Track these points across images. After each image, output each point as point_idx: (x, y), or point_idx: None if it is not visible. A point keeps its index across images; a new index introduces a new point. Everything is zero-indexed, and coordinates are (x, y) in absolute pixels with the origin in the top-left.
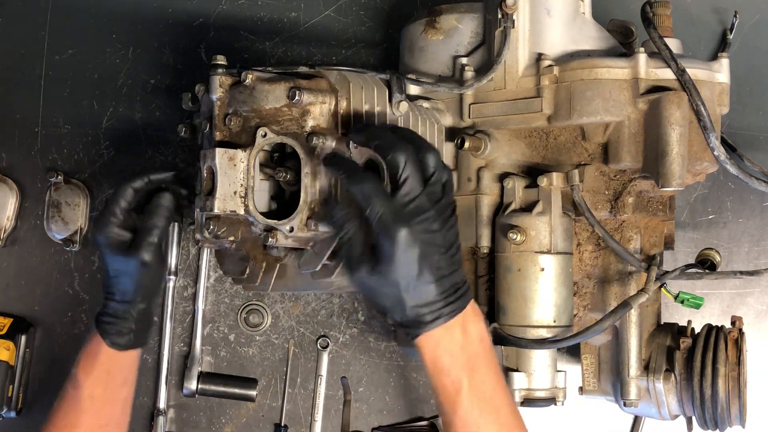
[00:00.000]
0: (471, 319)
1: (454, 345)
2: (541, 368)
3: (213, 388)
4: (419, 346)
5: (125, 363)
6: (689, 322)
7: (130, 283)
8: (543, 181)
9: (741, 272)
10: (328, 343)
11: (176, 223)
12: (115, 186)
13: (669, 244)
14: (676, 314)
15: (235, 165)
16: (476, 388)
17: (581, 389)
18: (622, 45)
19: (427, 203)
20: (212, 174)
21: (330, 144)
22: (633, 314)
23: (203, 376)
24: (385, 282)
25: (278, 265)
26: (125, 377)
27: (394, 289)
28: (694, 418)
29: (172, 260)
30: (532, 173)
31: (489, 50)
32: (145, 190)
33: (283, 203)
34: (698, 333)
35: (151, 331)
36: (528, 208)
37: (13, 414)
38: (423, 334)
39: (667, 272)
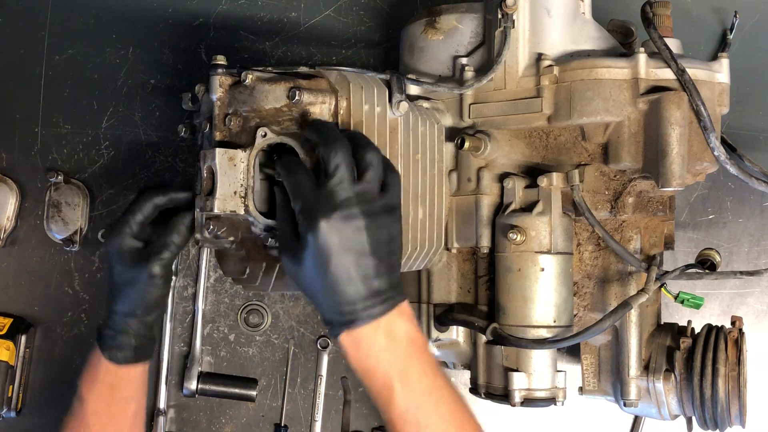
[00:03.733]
0: (397, 322)
1: (378, 348)
2: (541, 368)
3: (213, 388)
4: (342, 345)
5: (129, 378)
6: (689, 322)
7: (134, 295)
8: (543, 181)
9: (741, 272)
10: (328, 343)
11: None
12: (136, 197)
13: (669, 244)
14: (676, 314)
15: (235, 165)
16: (410, 388)
17: (581, 389)
18: (622, 45)
19: (354, 198)
20: (212, 174)
21: None
22: (633, 314)
23: (203, 376)
24: (305, 275)
25: (278, 265)
26: (131, 393)
27: (314, 283)
28: (694, 418)
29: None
30: (532, 173)
31: (489, 50)
32: (164, 207)
33: None
34: (698, 333)
35: (153, 347)
36: (528, 208)
37: (13, 414)
38: (343, 334)
39: (667, 272)
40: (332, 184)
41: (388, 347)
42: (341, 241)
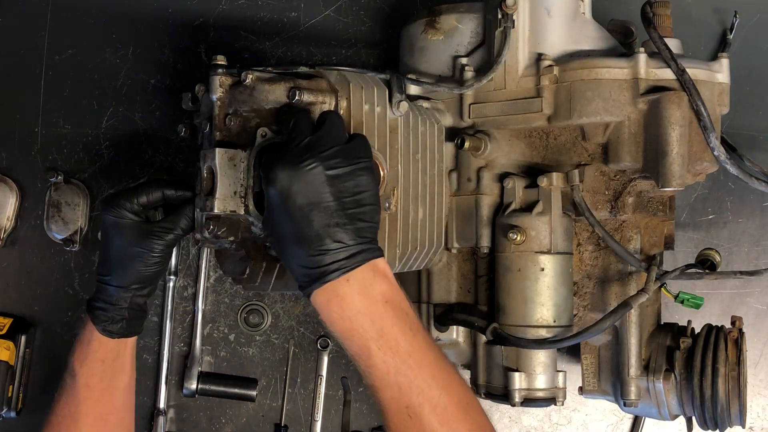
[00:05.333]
0: (371, 280)
1: (351, 308)
2: (541, 368)
3: (213, 388)
4: (315, 306)
5: (120, 351)
6: (689, 322)
7: (132, 271)
8: (543, 181)
9: (741, 272)
10: (328, 343)
11: None
12: (147, 181)
13: (669, 244)
14: (676, 314)
15: (235, 165)
16: (388, 350)
17: (581, 389)
18: (622, 45)
19: (309, 147)
20: (212, 174)
21: None
22: (633, 314)
23: (203, 376)
24: (273, 232)
25: (278, 265)
26: (122, 365)
27: (282, 240)
28: (694, 418)
29: (172, 260)
30: (532, 173)
31: (489, 50)
32: (171, 200)
33: None
34: (698, 333)
35: (144, 320)
36: (528, 208)
37: (13, 414)
38: (314, 293)
39: (667, 272)
40: (289, 139)
41: (363, 307)
42: (299, 191)
